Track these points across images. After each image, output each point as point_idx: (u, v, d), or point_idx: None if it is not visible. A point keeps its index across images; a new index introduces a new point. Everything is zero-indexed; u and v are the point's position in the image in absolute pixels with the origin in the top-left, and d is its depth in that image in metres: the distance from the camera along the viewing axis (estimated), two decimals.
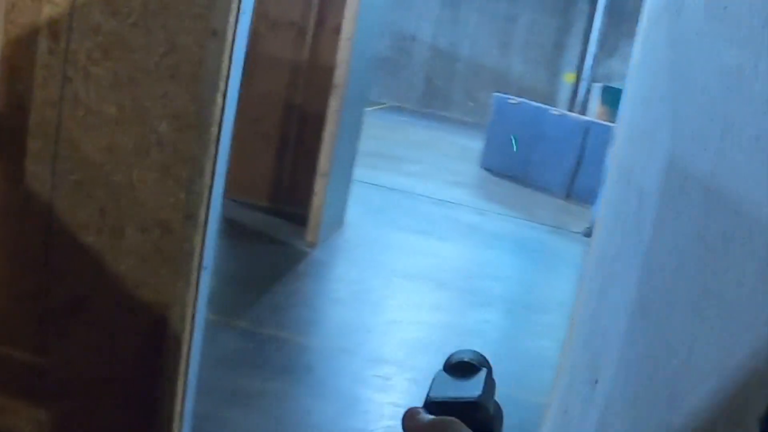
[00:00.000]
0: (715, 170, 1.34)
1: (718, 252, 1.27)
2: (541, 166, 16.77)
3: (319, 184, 8.33)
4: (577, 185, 16.37)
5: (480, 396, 0.85)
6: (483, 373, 0.89)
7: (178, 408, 2.79)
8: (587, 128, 16.48)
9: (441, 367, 0.91)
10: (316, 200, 8.39)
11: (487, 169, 17.54)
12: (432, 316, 7.59)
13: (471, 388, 0.86)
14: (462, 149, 21.05)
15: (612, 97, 25.26)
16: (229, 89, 2.50)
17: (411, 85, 30.73)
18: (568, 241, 12.63)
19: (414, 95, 30.80)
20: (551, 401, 3.35)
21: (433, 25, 30.61)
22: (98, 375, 2.75)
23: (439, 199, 13.30)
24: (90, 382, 2.77)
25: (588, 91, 27.14)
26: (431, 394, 0.87)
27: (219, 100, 2.48)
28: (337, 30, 8.37)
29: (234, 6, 2.46)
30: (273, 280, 7.34)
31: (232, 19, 2.46)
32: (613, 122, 18.40)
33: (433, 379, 0.89)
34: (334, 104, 8.08)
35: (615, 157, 2.99)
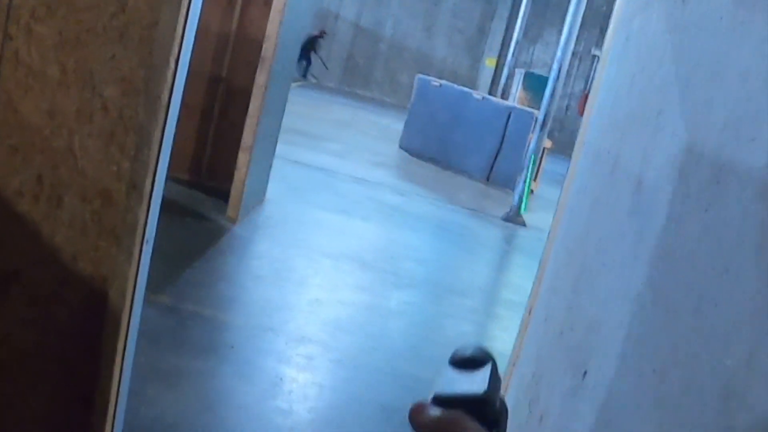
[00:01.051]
0: None
1: None
2: (462, 149, 16.84)
3: (242, 159, 8.18)
4: (497, 169, 16.49)
5: (486, 391, 0.83)
6: (488, 368, 0.85)
7: (115, 387, 2.66)
8: (509, 113, 16.56)
9: (447, 361, 0.87)
10: (239, 175, 8.24)
11: (408, 150, 17.54)
12: (355, 296, 7.52)
13: (477, 383, 0.84)
14: (382, 129, 21.04)
15: (534, 83, 25.54)
16: (182, 54, 2.38)
17: (333, 64, 30.62)
18: (488, 225, 12.69)
19: (335, 73, 30.70)
20: (505, 393, 3.28)
21: (357, 4, 30.53)
22: (33, 351, 2.60)
23: (360, 179, 13.23)
24: (24, 359, 2.63)
25: (509, 76, 27.35)
26: (438, 389, 0.84)
27: (172, 64, 2.35)
28: (267, 2, 8.22)
29: None
30: (194, 255, 7.19)
31: None
32: (533, 107, 18.62)
33: (440, 374, 0.84)
34: (261, 78, 7.93)
35: (588, 144, 2.94)
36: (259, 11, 8.86)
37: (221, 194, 8.66)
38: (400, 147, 17.79)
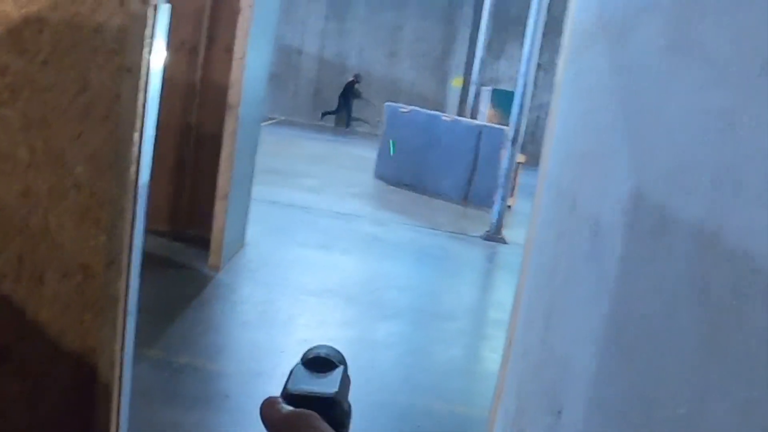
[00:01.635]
0: (711, 219, 1.34)
1: (724, 306, 1.27)
2: (437, 172, 16.92)
3: (220, 207, 8.23)
4: (473, 189, 16.57)
5: (336, 392, 0.87)
6: (340, 370, 0.90)
7: None
8: (480, 132, 16.67)
9: (300, 361, 0.92)
10: (217, 223, 8.28)
11: (383, 179, 17.61)
12: (342, 332, 7.56)
13: (328, 384, 0.89)
14: (356, 159, 21.11)
15: (501, 100, 25.67)
16: (145, 127, 2.43)
17: (300, 99, 30.71)
18: (469, 246, 12.74)
19: (304, 108, 30.78)
20: (491, 425, 3.33)
21: (319, 37, 30.67)
22: (26, 428, 2.64)
23: (338, 212, 13.29)
24: None
25: (477, 94, 27.50)
26: (289, 387, 0.88)
27: (136, 138, 2.41)
28: (229, 48, 8.29)
29: (147, 41, 2.39)
30: (180, 306, 7.22)
31: (145, 55, 2.40)
32: (504, 124, 18.73)
33: (292, 372, 0.89)
34: (230, 125, 7.99)
35: (549, 176, 3.00)
36: (221, 58, 8.94)
37: (201, 242, 8.70)
38: (376, 176, 17.86)
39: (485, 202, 16.06)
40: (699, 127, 1.46)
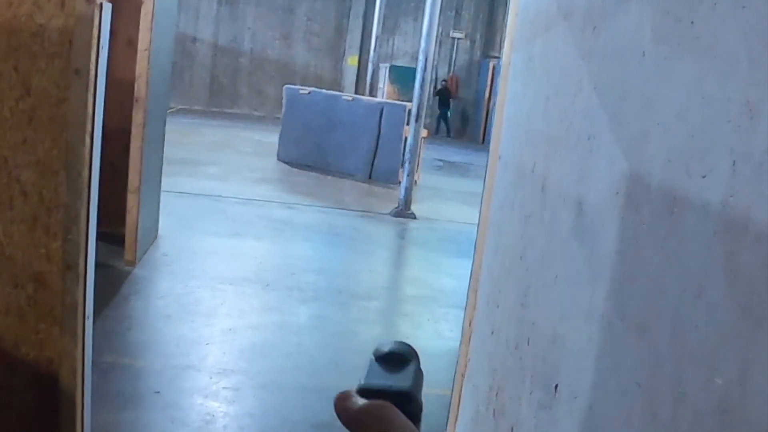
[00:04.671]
0: (737, 200, 1.37)
1: (756, 281, 1.31)
2: (340, 152, 16.95)
3: (132, 201, 8.11)
4: (377, 166, 16.65)
5: (411, 386, 0.86)
6: (413, 364, 0.92)
7: None
8: (381, 109, 16.72)
9: (372, 356, 0.94)
10: (130, 218, 8.16)
11: (286, 162, 17.56)
12: (265, 319, 7.54)
13: (403, 379, 0.88)
14: (256, 144, 20.99)
15: (400, 76, 25.87)
16: (95, 130, 2.39)
17: (197, 86, 30.34)
18: (379, 224, 12.81)
19: (201, 96, 30.43)
20: (455, 403, 3.36)
21: (213, 23, 30.31)
22: None
23: (246, 199, 13.21)
24: None
25: (374, 72, 27.57)
26: (364, 381, 0.87)
27: (87, 141, 2.37)
28: (130, 41, 8.15)
29: (94, 43, 2.35)
30: (100, 305, 7.09)
31: (93, 57, 2.35)
32: (402, 100, 18.79)
33: (366, 368, 0.91)
34: (138, 118, 7.87)
35: (503, 157, 3.03)
36: (123, 51, 8.77)
37: (115, 238, 8.55)
38: (278, 159, 17.79)
39: (390, 179, 16.18)
40: (704, 118, 1.49)
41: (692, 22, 1.55)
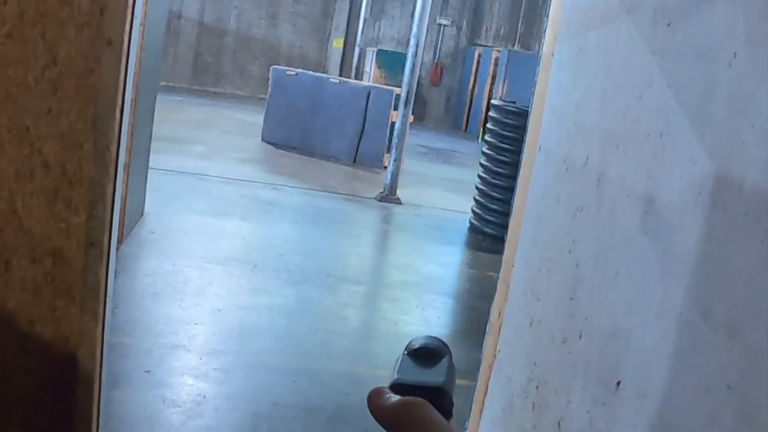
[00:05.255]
0: None
1: None
2: (326, 134, 16.89)
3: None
4: (362, 150, 16.61)
5: (444, 382, 0.87)
6: (446, 360, 0.89)
7: None
8: (368, 93, 16.66)
9: (404, 351, 0.92)
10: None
11: (271, 143, 17.46)
12: (254, 300, 7.49)
13: (435, 374, 0.89)
14: (241, 124, 20.88)
15: (387, 60, 25.83)
16: (125, 104, 2.31)
17: (181, 64, 30.12)
18: (365, 208, 12.77)
19: (185, 73, 30.22)
20: (480, 393, 3.30)
21: (199, 1, 30.06)
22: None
23: (231, 178, 13.13)
24: None
25: (361, 55, 27.50)
26: (397, 377, 0.88)
27: (117, 115, 2.29)
28: None
29: (129, 12, 2.27)
30: None
31: (127, 27, 2.27)
32: (389, 85, 18.74)
33: (398, 362, 0.88)
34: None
35: (545, 149, 2.98)
36: None
37: None
38: (263, 140, 17.68)
39: (374, 163, 16.14)
40: None
41: None
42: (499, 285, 3.21)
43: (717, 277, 1.66)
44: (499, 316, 3.17)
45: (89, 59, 2.26)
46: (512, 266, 3.11)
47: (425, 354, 0.93)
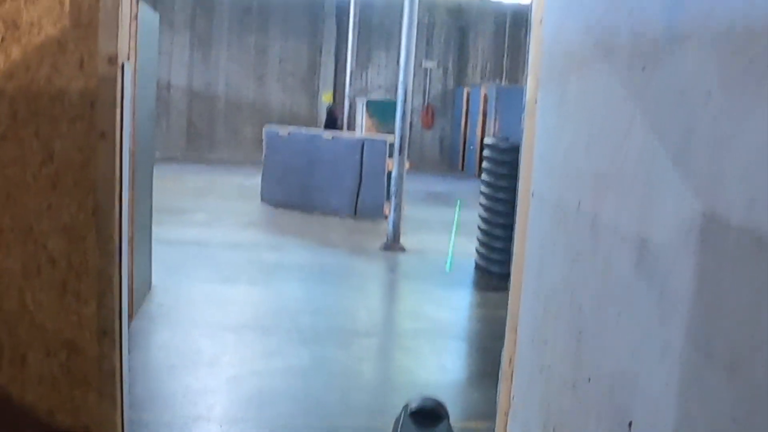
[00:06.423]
0: None
1: None
2: (324, 190, 16.95)
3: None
4: (362, 202, 16.67)
5: None
6: (445, 423, 0.93)
7: None
8: (362, 145, 16.75)
9: (403, 410, 0.94)
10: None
11: (270, 203, 17.53)
12: (268, 363, 7.49)
13: None
14: (239, 187, 20.95)
15: (377, 109, 26.00)
16: (123, 192, 2.36)
17: (174, 133, 30.27)
18: (369, 259, 12.80)
19: (178, 142, 30.35)
20: None
21: (186, 68, 30.28)
22: None
23: (234, 243, 13.18)
24: None
25: (351, 106, 27.67)
26: None
27: (117, 205, 2.34)
28: None
29: (118, 104, 2.32)
30: None
31: (118, 119, 2.33)
32: (381, 132, 18.81)
33: (399, 424, 0.91)
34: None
35: (537, 195, 3.02)
36: None
37: None
38: (262, 201, 17.76)
39: (375, 214, 16.19)
40: None
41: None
42: (507, 332, 3.24)
43: (713, 316, 1.69)
44: (510, 363, 3.19)
45: (84, 152, 2.31)
46: (518, 313, 3.14)
47: (425, 415, 0.96)
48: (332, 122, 28.68)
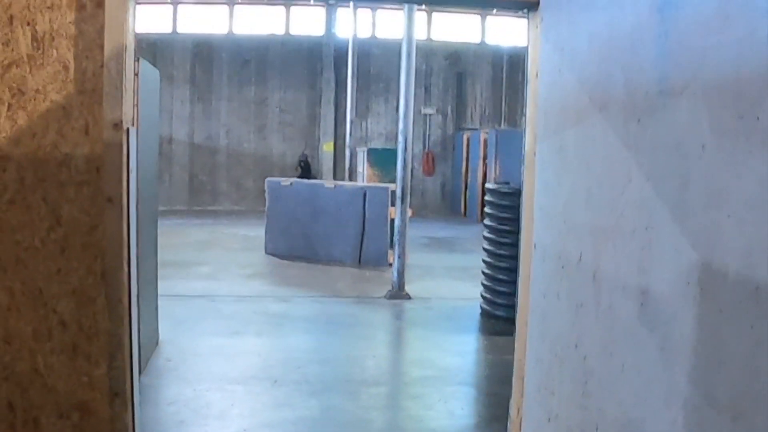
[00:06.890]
0: None
1: None
2: (327, 239, 16.98)
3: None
4: (366, 251, 16.71)
5: None
6: None
7: None
8: (364, 193, 16.82)
9: None
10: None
11: (275, 255, 17.55)
12: (278, 415, 7.48)
13: None
14: (243, 239, 20.98)
15: (378, 158, 26.11)
16: (132, 256, 2.40)
17: (176, 187, 30.40)
18: (374, 308, 12.80)
19: (181, 196, 30.47)
20: None
21: (187, 122, 30.50)
22: None
23: (240, 296, 13.19)
24: None
25: (352, 156, 27.80)
26: None
27: (125, 268, 2.37)
28: None
29: (125, 169, 2.37)
30: None
31: (124, 184, 2.37)
32: (383, 181, 18.90)
33: None
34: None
35: (540, 246, 3.05)
36: None
37: None
38: (266, 252, 17.79)
39: (379, 262, 16.22)
40: None
41: (758, 118, 1.59)
42: (515, 381, 3.25)
43: (715, 364, 1.71)
44: (518, 412, 3.21)
45: (91, 216, 2.35)
46: (524, 362, 3.16)
47: None
48: (307, 171, 28.92)
